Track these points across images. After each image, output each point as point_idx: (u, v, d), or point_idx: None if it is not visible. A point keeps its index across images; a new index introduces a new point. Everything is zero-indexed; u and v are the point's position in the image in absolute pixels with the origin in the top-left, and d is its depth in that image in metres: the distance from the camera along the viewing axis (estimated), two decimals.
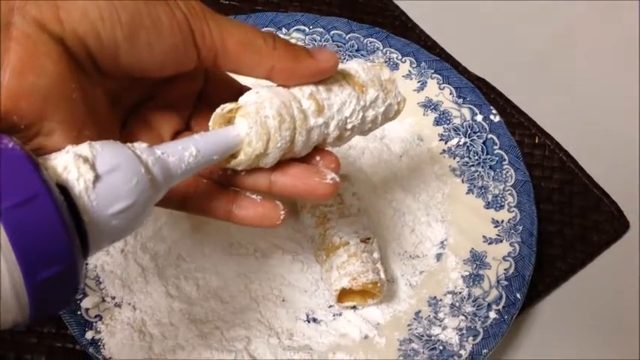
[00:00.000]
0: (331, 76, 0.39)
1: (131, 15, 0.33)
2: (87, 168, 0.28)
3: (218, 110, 0.37)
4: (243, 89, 0.42)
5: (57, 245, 0.26)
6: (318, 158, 0.39)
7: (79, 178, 0.28)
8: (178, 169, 0.33)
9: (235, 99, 0.38)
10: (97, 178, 0.29)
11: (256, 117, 0.36)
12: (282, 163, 0.38)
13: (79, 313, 0.47)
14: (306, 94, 0.38)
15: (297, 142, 0.37)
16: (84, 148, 0.29)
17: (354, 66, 0.40)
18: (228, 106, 0.37)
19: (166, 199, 0.37)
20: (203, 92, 0.41)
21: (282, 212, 0.39)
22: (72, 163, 0.28)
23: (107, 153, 0.30)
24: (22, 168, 0.26)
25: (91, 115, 0.34)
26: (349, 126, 0.39)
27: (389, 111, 0.41)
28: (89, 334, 0.47)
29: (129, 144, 0.31)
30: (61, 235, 0.26)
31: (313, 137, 0.38)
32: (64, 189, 0.28)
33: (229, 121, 0.37)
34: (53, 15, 0.32)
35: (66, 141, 0.32)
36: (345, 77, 0.39)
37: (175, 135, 0.40)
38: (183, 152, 0.33)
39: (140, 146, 0.32)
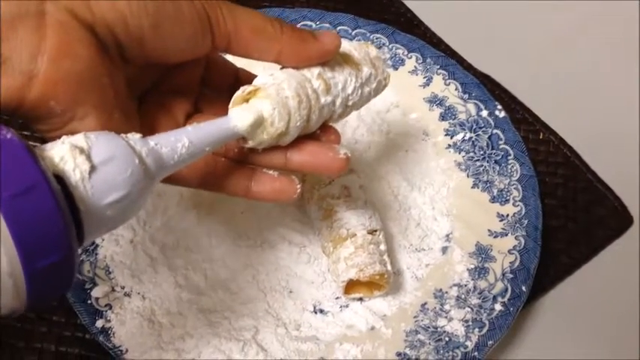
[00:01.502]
0: None
1: (156, 5, 0.34)
2: (83, 159, 0.29)
3: (239, 92, 0.38)
4: (239, 71, 0.45)
5: (55, 234, 0.27)
6: (318, 132, 0.41)
7: (75, 169, 0.29)
8: (171, 160, 0.33)
9: (233, 81, 0.41)
10: (92, 168, 0.29)
11: (277, 98, 0.37)
12: (296, 141, 0.40)
13: (89, 302, 0.48)
14: (315, 75, 0.39)
15: (311, 120, 0.39)
16: (80, 139, 0.30)
17: (346, 46, 0.42)
18: (248, 88, 0.38)
19: (186, 178, 0.39)
20: (204, 76, 0.43)
21: (298, 186, 0.41)
22: (68, 154, 0.29)
23: (102, 144, 0.30)
24: (21, 158, 0.27)
25: (117, 99, 0.35)
26: (350, 102, 0.42)
27: (378, 87, 0.44)
28: (99, 323, 0.47)
29: (122, 135, 0.32)
30: (59, 225, 0.27)
31: (323, 114, 0.40)
32: (61, 179, 0.28)
33: (247, 102, 0.38)
34: (84, 3, 0.33)
35: (98, 125, 0.34)
36: (343, 57, 0.41)
37: (187, 117, 0.41)
38: (176, 143, 0.34)
39: (134, 137, 0.32)
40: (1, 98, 0.32)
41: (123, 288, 0.49)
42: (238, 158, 0.41)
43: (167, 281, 0.50)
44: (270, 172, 0.41)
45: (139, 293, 0.49)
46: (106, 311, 0.48)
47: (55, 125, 0.34)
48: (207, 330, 0.48)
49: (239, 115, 0.37)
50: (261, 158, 0.41)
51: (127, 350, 0.46)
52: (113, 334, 0.47)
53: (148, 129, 0.39)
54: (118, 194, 0.30)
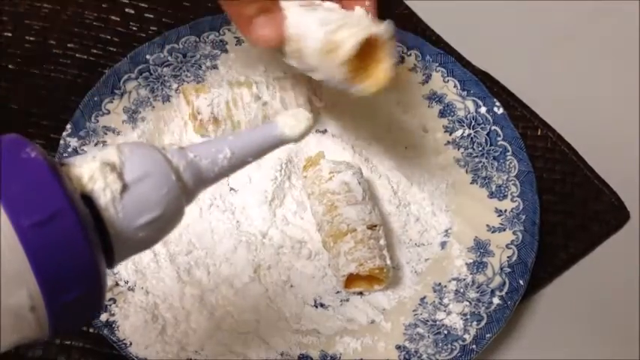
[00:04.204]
0: None
1: None
2: (114, 177, 0.27)
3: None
4: None
5: (81, 266, 0.25)
6: None
7: (106, 189, 0.26)
8: (211, 173, 0.31)
9: None
10: (124, 188, 0.27)
11: None
12: None
13: None
14: None
15: None
16: (112, 153, 0.28)
17: None
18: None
19: None
20: None
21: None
22: (98, 172, 0.27)
23: (136, 159, 0.28)
24: (45, 181, 0.25)
25: None
26: None
27: None
28: (103, 317, 0.48)
29: (159, 146, 0.30)
30: (86, 256, 0.25)
31: None
32: (89, 199, 0.26)
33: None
34: None
35: None
36: None
37: None
38: (217, 155, 0.31)
39: (171, 148, 0.30)
40: None
41: (127, 282, 0.50)
42: None
43: (170, 276, 0.51)
44: None
45: (142, 288, 0.50)
46: (110, 305, 0.48)
47: None
48: (210, 324, 0.49)
49: (288, 123, 0.34)
50: None
51: (130, 343, 0.47)
52: (117, 327, 0.48)
53: None
54: (151, 215, 0.28)
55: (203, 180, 0.31)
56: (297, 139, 0.34)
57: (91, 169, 0.27)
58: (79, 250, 0.25)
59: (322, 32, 0.43)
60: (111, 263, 0.28)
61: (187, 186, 0.30)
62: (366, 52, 0.44)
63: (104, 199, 0.26)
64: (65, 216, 0.24)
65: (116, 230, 0.27)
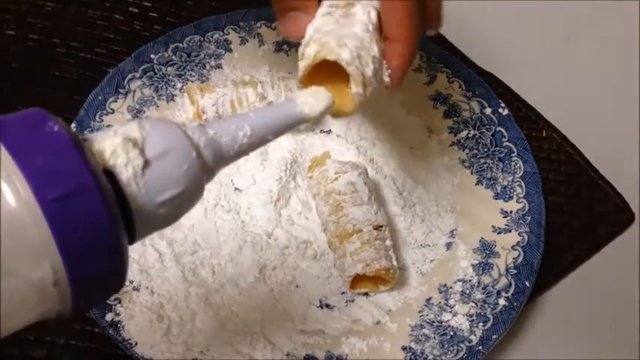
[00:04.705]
0: None
1: None
2: (136, 153, 0.27)
3: (304, 64, 0.38)
4: None
5: (104, 241, 0.25)
6: None
7: (128, 164, 0.27)
8: (231, 151, 0.31)
9: None
10: (146, 163, 0.27)
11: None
12: None
13: None
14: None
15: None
16: (133, 129, 0.28)
17: None
18: (309, 53, 0.38)
19: None
20: None
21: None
22: (120, 148, 0.27)
23: (157, 134, 0.28)
24: (68, 155, 0.25)
25: None
26: None
27: None
28: (109, 316, 0.47)
29: (179, 123, 0.30)
30: (109, 230, 0.25)
31: None
32: (111, 174, 0.26)
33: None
34: None
35: None
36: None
37: None
38: (237, 132, 0.31)
39: (192, 125, 0.30)
40: None
41: (132, 282, 0.50)
42: None
43: (175, 276, 0.51)
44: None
45: (147, 288, 0.50)
46: (115, 305, 0.48)
47: None
48: (216, 324, 0.49)
49: (308, 102, 0.34)
50: None
51: (136, 343, 0.47)
52: (122, 327, 0.47)
53: None
54: (172, 191, 0.28)
55: (223, 157, 0.31)
56: (317, 117, 0.34)
57: (113, 144, 0.27)
58: (101, 224, 0.25)
59: (303, 42, 0.41)
60: (132, 239, 0.28)
61: (207, 163, 0.30)
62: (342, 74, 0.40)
63: (126, 175, 0.27)
64: (89, 190, 0.24)
65: (138, 205, 0.27)
